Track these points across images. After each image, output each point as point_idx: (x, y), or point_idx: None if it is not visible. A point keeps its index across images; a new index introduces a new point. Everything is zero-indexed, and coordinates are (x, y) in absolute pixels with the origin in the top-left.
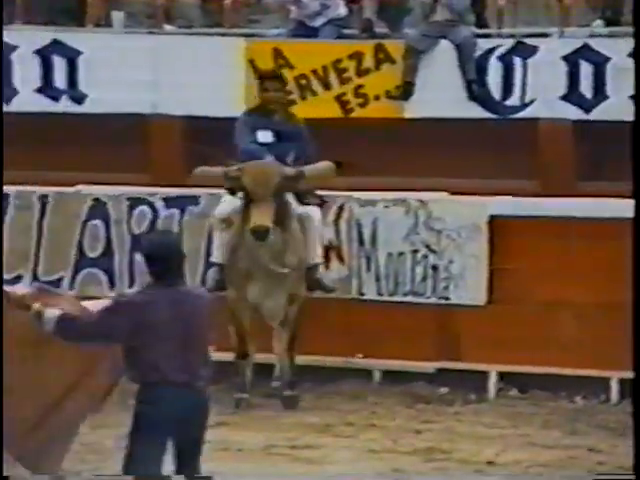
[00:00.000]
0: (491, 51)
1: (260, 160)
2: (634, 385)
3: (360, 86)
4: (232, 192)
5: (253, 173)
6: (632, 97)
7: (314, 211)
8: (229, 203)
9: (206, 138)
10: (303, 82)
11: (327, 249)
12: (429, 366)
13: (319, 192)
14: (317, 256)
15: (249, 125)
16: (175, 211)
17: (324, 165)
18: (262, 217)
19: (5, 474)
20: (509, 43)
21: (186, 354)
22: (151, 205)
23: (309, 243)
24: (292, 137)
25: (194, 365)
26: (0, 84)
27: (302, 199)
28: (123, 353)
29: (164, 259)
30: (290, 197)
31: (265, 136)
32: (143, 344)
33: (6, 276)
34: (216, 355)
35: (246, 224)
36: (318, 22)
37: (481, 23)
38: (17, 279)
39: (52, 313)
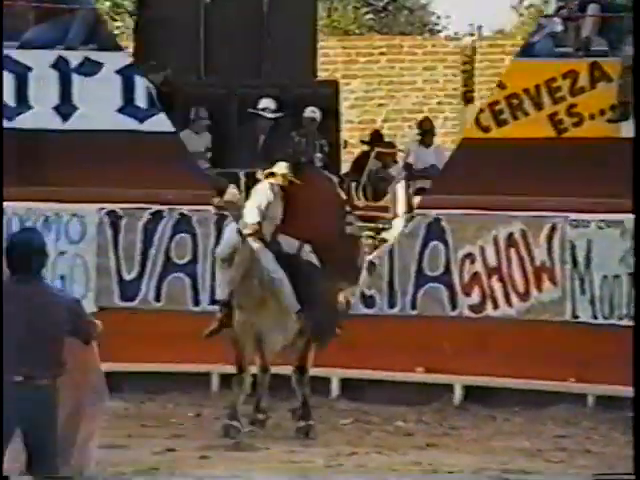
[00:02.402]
0: None
1: None
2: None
3: (573, 105)
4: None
5: None
6: None
7: None
8: (228, 242)
9: None
10: (515, 102)
11: (539, 270)
12: None
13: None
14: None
15: None
16: None
17: None
18: None
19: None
20: None
21: (29, 351)
22: None
23: None
24: None
25: (36, 362)
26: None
27: None
28: None
29: (20, 255)
30: None
31: None
32: None
33: None
34: None
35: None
36: (533, 39)
37: None
38: None
39: None
